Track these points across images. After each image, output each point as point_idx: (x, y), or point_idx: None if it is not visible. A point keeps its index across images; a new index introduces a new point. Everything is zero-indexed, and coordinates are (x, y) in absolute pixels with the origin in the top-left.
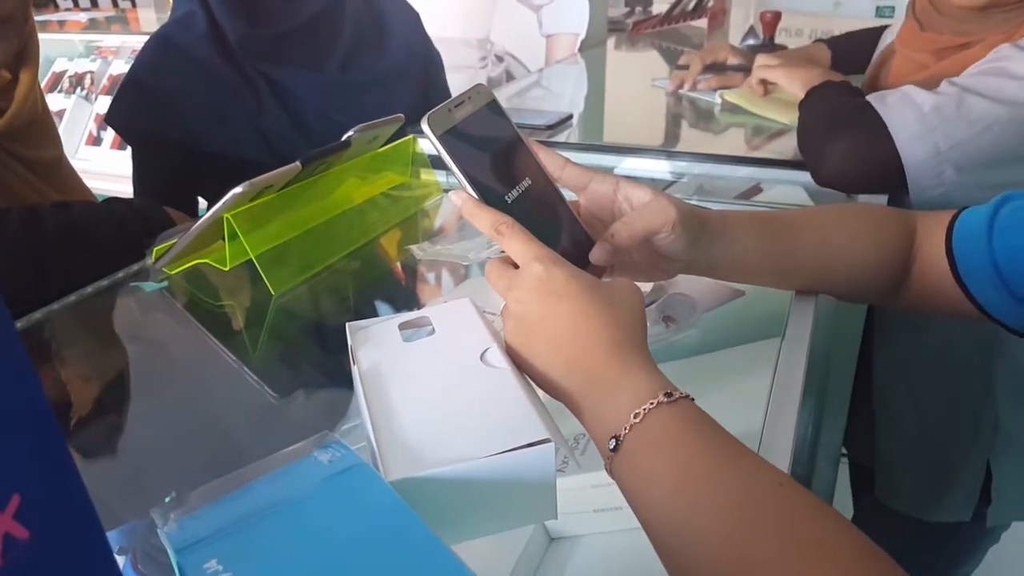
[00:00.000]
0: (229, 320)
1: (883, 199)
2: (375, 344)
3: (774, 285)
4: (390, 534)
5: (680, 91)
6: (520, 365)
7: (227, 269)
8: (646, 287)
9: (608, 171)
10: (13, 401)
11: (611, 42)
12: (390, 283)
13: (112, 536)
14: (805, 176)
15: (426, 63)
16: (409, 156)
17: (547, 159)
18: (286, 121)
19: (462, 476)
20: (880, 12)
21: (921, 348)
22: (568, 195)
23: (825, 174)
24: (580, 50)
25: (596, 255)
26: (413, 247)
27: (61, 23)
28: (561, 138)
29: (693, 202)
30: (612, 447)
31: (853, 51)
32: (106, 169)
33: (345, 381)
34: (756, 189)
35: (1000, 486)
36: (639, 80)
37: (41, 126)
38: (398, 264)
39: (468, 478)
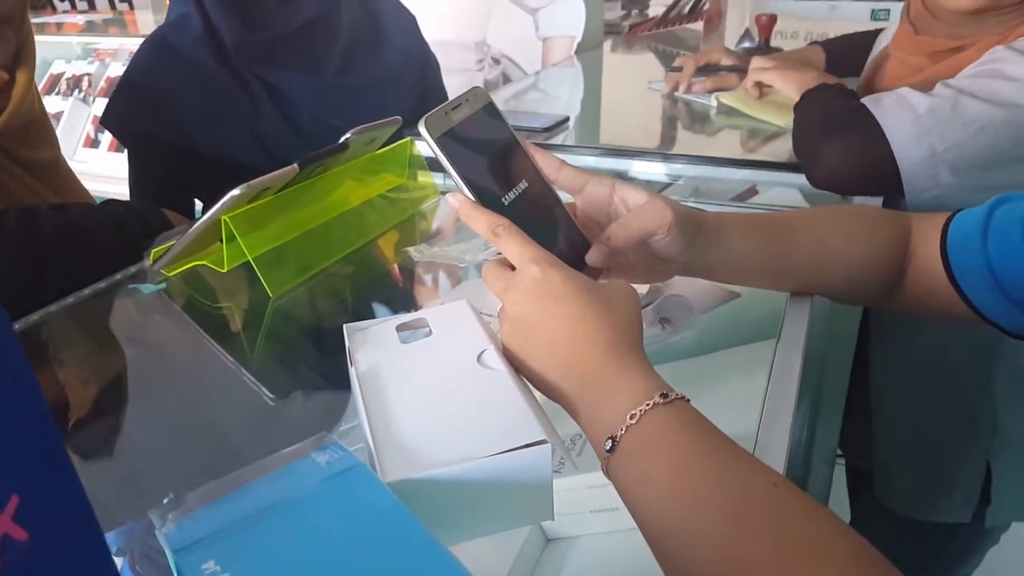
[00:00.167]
0: (227, 322)
1: (878, 201)
2: (373, 346)
3: (769, 287)
4: (388, 535)
5: (676, 93)
6: (517, 366)
7: (225, 271)
8: (642, 289)
9: (604, 173)
10: (12, 403)
11: (607, 45)
12: (387, 285)
13: (110, 537)
14: (800, 178)
15: (423, 67)
16: (406, 158)
17: (543, 161)
18: (282, 125)
19: (459, 477)
20: (875, 15)
21: (918, 349)
22: (564, 197)
23: (821, 176)
24: (576, 53)
25: (592, 257)
26: (410, 249)
27: (59, 25)
28: (558, 140)
29: (689, 204)
30: (608, 448)
31: (848, 54)
32: (104, 171)
33: (343, 383)
34: (752, 191)
35: (999, 487)
36: (635, 83)
37: (38, 127)
38: (395, 266)
39: (465, 479)
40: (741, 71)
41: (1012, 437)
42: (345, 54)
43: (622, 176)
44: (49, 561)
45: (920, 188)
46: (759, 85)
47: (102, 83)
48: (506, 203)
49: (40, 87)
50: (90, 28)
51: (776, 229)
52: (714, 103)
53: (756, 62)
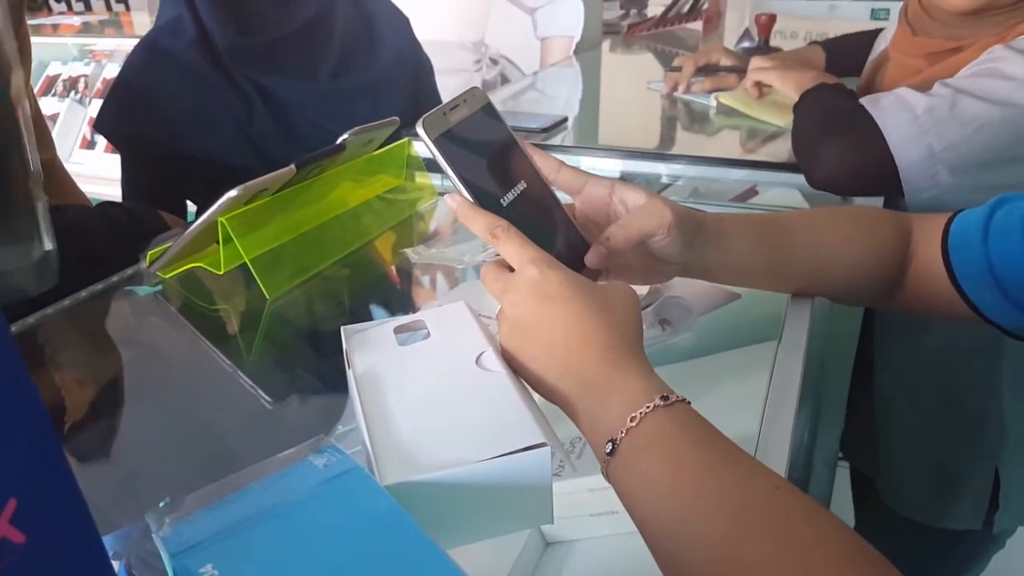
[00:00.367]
0: (224, 324)
1: (878, 201)
2: (370, 348)
3: (769, 288)
4: (385, 538)
5: (675, 94)
6: (516, 368)
7: (222, 273)
8: (642, 290)
9: (603, 174)
10: (9, 405)
11: (606, 45)
12: (385, 286)
13: (107, 541)
14: (800, 179)
15: (416, 68)
16: (404, 159)
17: (542, 162)
18: (274, 128)
19: (458, 480)
20: (875, 15)
21: (921, 350)
22: (563, 198)
23: (819, 177)
24: (575, 53)
25: (591, 258)
26: (408, 250)
27: (55, 27)
28: (556, 141)
29: (688, 205)
30: (608, 451)
31: (848, 53)
32: (100, 173)
33: (340, 385)
34: (751, 192)
35: (1008, 492)
36: (634, 83)
37: (34, 128)
38: (393, 267)
39: (464, 482)
40: (740, 71)
41: (1020, 442)
42: (339, 57)
43: (621, 177)
44: (47, 564)
45: (919, 188)
46: (758, 85)
47: (98, 84)
48: (504, 204)
49: (36, 88)
50: (86, 29)
51: (776, 230)
52: (713, 103)
53: (755, 62)
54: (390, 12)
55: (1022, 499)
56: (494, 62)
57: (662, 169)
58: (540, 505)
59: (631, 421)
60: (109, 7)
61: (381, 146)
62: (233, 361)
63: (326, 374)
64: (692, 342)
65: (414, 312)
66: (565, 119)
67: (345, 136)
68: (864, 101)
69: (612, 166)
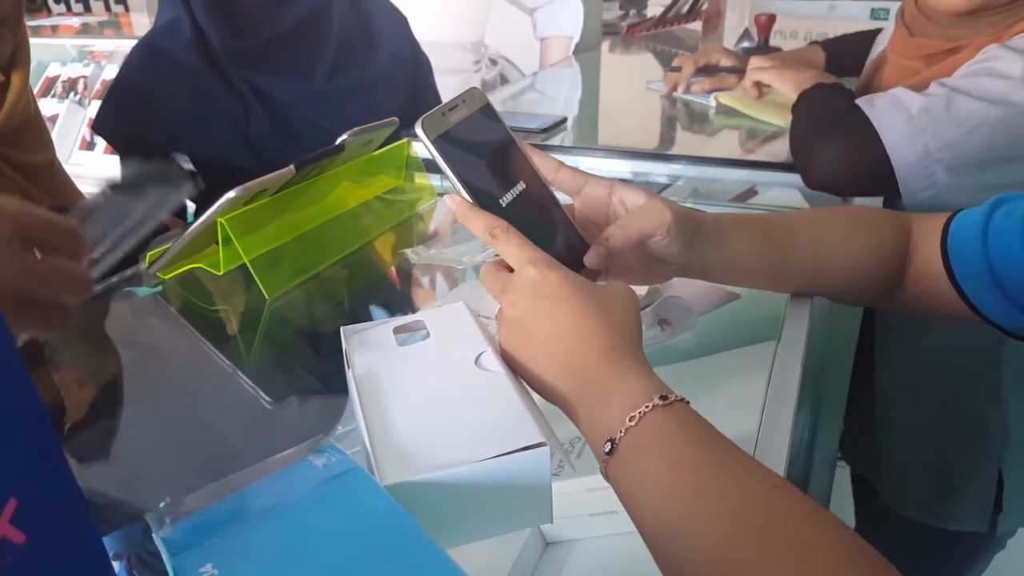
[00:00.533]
0: (223, 325)
1: (878, 202)
2: (370, 348)
3: (769, 288)
4: (385, 538)
5: (675, 94)
6: (515, 369)
7: (221, 273)
8: (641, 290)
9: (603, 174)
10: (9, 406)
11: (605, 45)
12: (385, 287)
13: (107, 541)
14: (800, 179)
15: (414, 67)
16: (403, 160)
17: (541, 162)
18: (272, 128)
19: (457, 480)
20: (875, 14)
21: (922, 350)
22: (563, 198)
23: (815, 177)
24: (574, 53)
25: (591, 258)
26: (408, 251)
27: (54, 28)
28: (555, 141)
29: (688, 205)
30: (607, 450)
31: (847, 53)
32: (99, 174)
33: (340, 385)
34: (751, 192)
35: (1010, 494)
36: (634, 83)
37: (33, 129)
38: (392, 268)
39: (463, 482)
40: (740, 71)
41: (1023, 443)
42: (335, 57)
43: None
44: (47, 564)
45: (916, 188)
46: (758, 85)
47: (97, 85)
48: (504, 204)
49: (35, 90)
50: (85, 30)
51: (775, 230)
52: (713, 103)
53: (755, 62)
54: (388, 12)
55: None
56: (493, 62)
57: (662, 169)
58: (539, 505)
59: (630, 421)
60: (108, 8)
61: (380, 147)
62: (232, 362)
63: (326, 374)
64: (691, 342)
65: (413, 312)
66: (564, 119)
67: (344, 137)
68: (860, 101)
69: (611, 166)
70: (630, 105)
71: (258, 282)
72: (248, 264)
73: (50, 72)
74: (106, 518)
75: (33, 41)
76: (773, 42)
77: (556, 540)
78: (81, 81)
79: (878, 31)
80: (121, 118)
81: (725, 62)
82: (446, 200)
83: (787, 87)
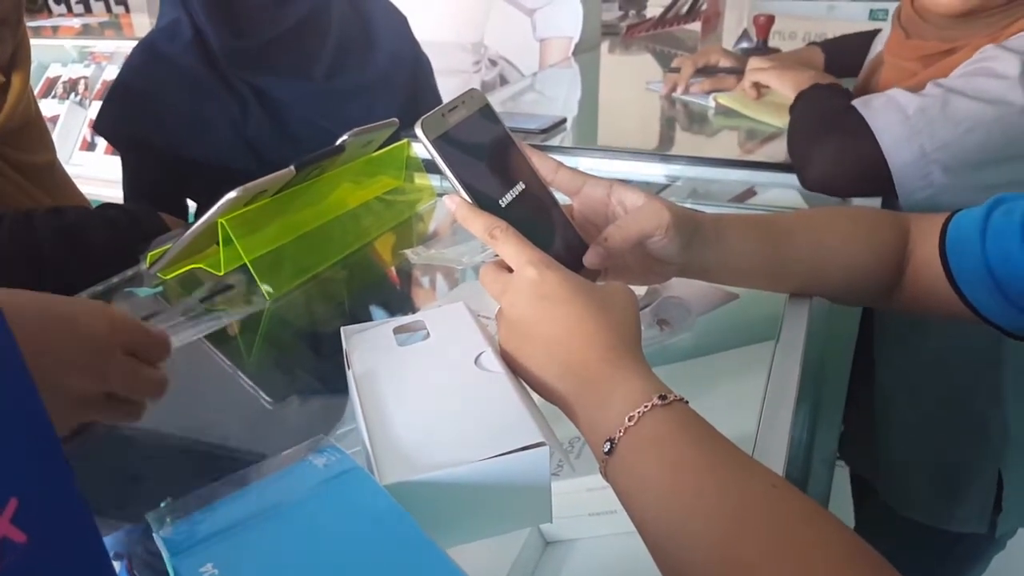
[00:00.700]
0: (224, 325)
1: (876, 202)
2: (370, 348)
3: (767, 288)
4: (385, 538)
5: (674, 94)
6: (514, 369)
7: (222, 274)
8: (640, 290)
9: (602, 175)
10: (10, 406)
11: (605, 46)
12: (385, 287)
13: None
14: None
15: (414, 67)
16: (403, 160)
17: (540, 163)
18: (271, 129)
19: (457, 480)
20: (873, 15)
21: (922, 350)
22: (562, 199)
23: (811, 178)
24: (574, 54)
25: (590, 259)
26: (407, 251)
27: (54, 28)
28: (555, 142)
29: (687, 206)
30: (607, 450)
31: (846, 54)
32: (100, 174)
33: (340, 385)
34: (750, 192)
35: (1010, 495)
36: (633, 84)
37: (33, 130)
38: (392, 268)
39: (463, 482)
40: (739, 72)
41: (1023, 444)
42: (334, 57)
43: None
44: (47, 564)
45: (912, 188)
46: (757, 86)
47: (98, 86)
48: (503, 205)
49: (36, 90)
50: (86, 31)
51: (774, 230)
52: (712, 104)
53: (753, 62)
54: (388, 12)
55: None
56: (493, 63)
57: (661, 170)
58: (539, 504)
59: (629, 421)
60: (109, 9)
61: (380, 147)
62: (233, 362)
63: (326, 374)
64: (690, 342)
65: (413, 313)
66: (564, 120)
67: (344, 137)
68: (856, 102)
69: (610, 167)
70: (629, 106)
71: (258, 283)
72: (248, 265)
73: (51, 73)
74: (107, 518)
75: (34, 42)
76: (772, 43)
77: (556, 540)
78: (82, 82)
79: (877, 32)
80: (122, 119)
81: (724, 63)
82: (446, 201)
83: (786, 88)
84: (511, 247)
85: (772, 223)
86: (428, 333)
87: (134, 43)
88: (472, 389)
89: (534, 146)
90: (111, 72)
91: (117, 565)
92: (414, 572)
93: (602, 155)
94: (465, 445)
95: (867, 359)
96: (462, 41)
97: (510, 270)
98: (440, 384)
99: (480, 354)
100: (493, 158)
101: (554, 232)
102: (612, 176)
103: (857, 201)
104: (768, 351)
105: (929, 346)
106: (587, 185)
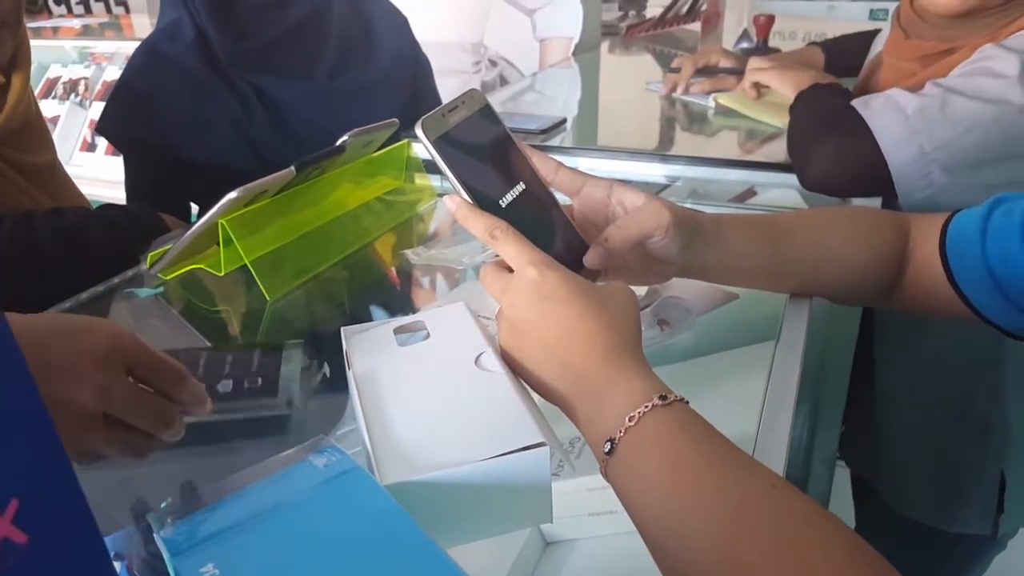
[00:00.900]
0: (224, 325)
1: (876, 202)
2: (370, 348)
3: (768, 288)
4: (385, 538)
5: (674, 95)
6: (515, 369)
7: (222, 274)
8: (640, 291)
9: (602, 175)
10: (11, 406)
11: (605, 46)
12: (385, 287)
13: (108, 541)
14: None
15: (414, 68)
16: (403, 160)
17: (540, 163)
18: (272, 129)
19: (457, 480)
20: (873, 15)
21: (922, 350)
22: (562, 199)
23: (811, 178)
24: (574, 54)
25: (590, 259)
26: (408, 251)
27: (55, 29)
28: (555, 142)
29: (687, 206)
30: (607, 450)
31: (846, 54)
32: (100, 175)
33: (340, 385)
34: (750, 192)
35: (1012, 495)
36: (633, 84)
37: (34, 130)
38: (393, 268)
39: (463, 482)
40: (739, 72)
41: None
42: (336, 57)
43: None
44: (49, 564)
45: (912, 188)
46: (757, 86)
47: (98, 87)
48: (503, 205)
49: (36, 91)
50: (86, 32)
51: (774, 230)
52: (712, 104)
53: (753, 62)
54: (388, 13)
55: None
56: (493, 63)
57: (661, 170)
58: (539, 504)
59: (629, 421)
60: (109, 10)
61: (380, 148)
62: None
63: (326, 375)
64: (691, 342)
65: (414, 313)
66: (564, 120)
67: (345, 138)
68: (856, 103)
69: (610, 167)
70: (629, 106)
71: (259, 283)
72: (249, 265)
73: (51, 74)
74: (108, 519)
75: (34, 43)
76: (772, 43)
77: (556, 540)
78: (82, 82)
79: (877, 31)
80: (124, 119)
81: (724, 63)
82: (446, 201)
83: (786, 88)
84: (511, 247)
85: (772, 223)
86: (428, 333)
87: (134, 44)
88: (472, 389)
89: (534, 146)
90: (111, 73)
91: (118, 565)
92: (414, 572)
93: (602, 155)
94: (465, 445)
95: (867, 359)
96: (462, 41)
97: (510, 270)
98: (440, 384)
99: (480, 354)
100: (493, 158)
101: (554, 232)
102: (612, 176)
103: (857, 201)
104: (768, 351)
105: (929, 346)
106: (587, 185)
